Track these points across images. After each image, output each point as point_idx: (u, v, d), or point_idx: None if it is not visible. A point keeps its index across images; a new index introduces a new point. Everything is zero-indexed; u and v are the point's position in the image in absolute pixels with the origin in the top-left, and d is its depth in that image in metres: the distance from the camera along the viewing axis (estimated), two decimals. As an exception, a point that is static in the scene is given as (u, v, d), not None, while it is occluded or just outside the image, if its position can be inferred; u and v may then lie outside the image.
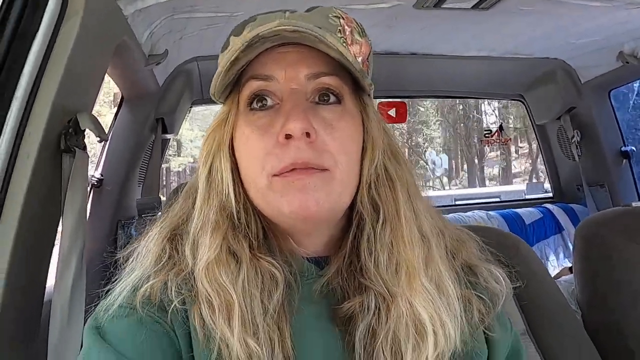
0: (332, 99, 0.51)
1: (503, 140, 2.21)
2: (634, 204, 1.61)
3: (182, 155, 11.13)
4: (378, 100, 2.02)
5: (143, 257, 0.53)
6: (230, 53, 0.47)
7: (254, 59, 0.50)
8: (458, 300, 0.53)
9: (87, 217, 1.46)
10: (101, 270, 1.45)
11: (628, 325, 1.02)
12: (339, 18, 0.54)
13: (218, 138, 0.53)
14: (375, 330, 0.50)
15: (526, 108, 2.15)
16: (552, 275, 1.73)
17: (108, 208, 1.51)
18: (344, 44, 0.52)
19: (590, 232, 1.13)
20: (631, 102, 2.26)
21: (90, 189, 1.46)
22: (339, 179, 0.49)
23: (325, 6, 0.55)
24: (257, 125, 0.50)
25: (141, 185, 1.65)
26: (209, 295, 0.47)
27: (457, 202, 2.25)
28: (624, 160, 1.93)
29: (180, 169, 11.51)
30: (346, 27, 0.53)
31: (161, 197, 1.62)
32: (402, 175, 0.54)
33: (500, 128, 2.19)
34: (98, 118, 0.93)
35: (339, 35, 0.53)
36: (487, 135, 2.20)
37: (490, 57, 1.72)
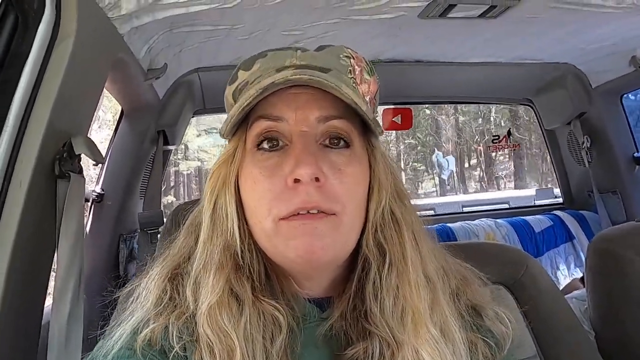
0: (342, 143, 0.51)
1: (512, 146, 2.16)
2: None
3: (189, 159, 11.20)
4: (383, 107, 1.99)
5: (144, 298, 0.52)
6: (244, 99, 0.48)
7: (264, 98, 0.50)
8: (463, 345, 0.51)
9: (88, 233, 1.46)
10: (103, 287, 1.44)
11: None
12: (350, 58, 0.54)
13: (223, 175, 0.52)
14: None
15: (535, 113, 2.10)
16: (563, 287, 1.70)
17: (109, 223, 1.49)
18: (354, 85, 0.53)
19: (603, 248, 1.09)
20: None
21: (91, 204, 1.45)
22: (346, 224, 0.49)
23: (336, 45, 0.55)
24: (265, 166, 0.49)
25: (143, 198, 1.63)
26: (210, 341, 0.47)
27: (465, 209, 2.20)
28: (637, 167, 1.88)
29: (188, 172, 11.60)
30: (356, 66, 0.54)
31: (163, 210, 1.59)
32: (408, 217, 0.53)
33: (509, 133, 2.15)
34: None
35: (350, 75, 0.53)
36: (495, 141, 2.16)
37: (498, 63, 1.67)
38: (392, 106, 1.98)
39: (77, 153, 0.82)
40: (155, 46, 1.14)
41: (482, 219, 2.01)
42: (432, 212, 2.20)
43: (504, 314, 0.58)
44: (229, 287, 0.49)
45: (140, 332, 0.48)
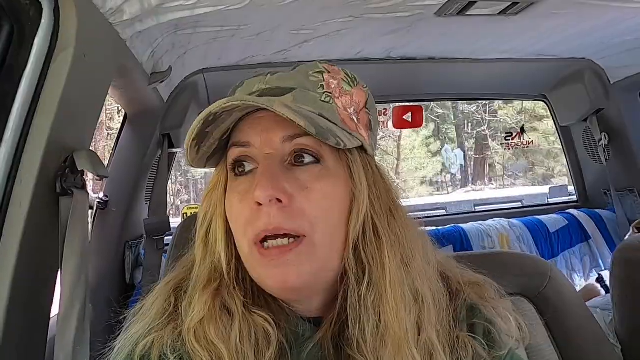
0: (309, 159, 0.50)
1: (525, 143, 2.10)
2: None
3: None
4: (394, 105, 1.94)
5: (148, 310, 0.53)
6: (190, 132, 0.48)
7: (236, 125, 0.52)
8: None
9: (92, 240, 1.42)
10: (109, 295, 1.40)
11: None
12: (322, 73, 0.53)
13: (213, 201, 0.54)
14: None
15: (550, 109, 2.04)
16: (580, 290, 1.65)
17: (114, 229, 1.46)
18: (328, 99, 0.52)
19: (629, 257, 1.04)
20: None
21: (95, 211, 1.41)
22: (321, 245, 0.48)
23: (309, 63, 0.55)
24: (238, 191, 0.50)
25: (148, 203, 1.59)
26: (200, 355, 0.47)
27: (477, 209, 2.15)
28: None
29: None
30: (332, 80, 0.53)
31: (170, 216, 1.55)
32: (395, 231, 0.51)
33: (522, 130, 2.08)
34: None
35: (320, 90, 0.52)
36: (507, 138, 2.09)
37: (513, 59, 1.61)
38: (403, 104, 1.92)
39: (79, 169, 0.77)
40: (159, 49, 1.08)
41: (495, 219, 1.96)
42: (443, 212, 2.15)
43: (511, 317, 0.56)
44: (220, 300, 0.50)
45: (139, 345, 0.49)
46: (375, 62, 1.51)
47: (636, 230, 1.50)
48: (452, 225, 1.90)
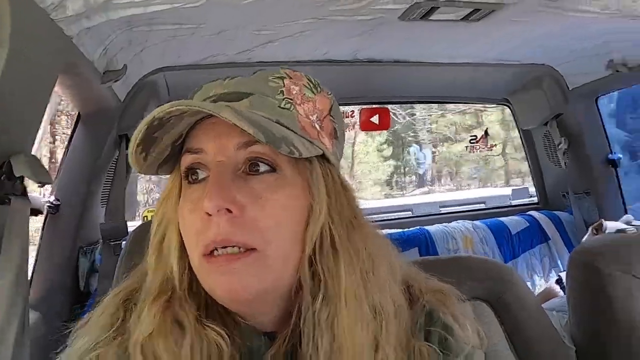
0: (264, 168, 0.48)
1: (489, 146, 2.14)
2: (624, 218, 1.57)
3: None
4: (360, 107, 1.93)
5: (95, 323, 0.51)
6: (133, 137, 0.45)
7: (191, 130, 0.49)
8: None
9: (43, 246, 1.34)
10: (62, 304, 1.33)
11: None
12: (283, 79, 0.51)
13: (167, 209, 0.52)
14: None
15: (512, 113, 2.09)
16: (540, 292, 1.70)
17: (67, 235, 1.38)
18: (289, 105, 0.50)
19: (585, 262, 1.06)
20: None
21: (46, 216, 1.33)
22: (273, 257, 0.46)
23: (269, 70, 0.53)
24: (191, 200, 0.48)
25: (104, 206, 1.51)
26: None
27: (442, 210, 2.18)
28: (611, 168, 1.89)
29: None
30: (293, 86, 0.51)
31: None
32: (355, 244, 0.49)
33: (486, 133, 2.13)
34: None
35: (280, 97, 0.50)
36: (472, 141, 2.13)
37: (477, 63, 1.64)
38: (370, 106, 1.92)
39: (17, 175, 0.72)
40: (112, 47, 1.03)
41: (459, 221, 1.99)
42: (409, 214, 2.17)
43: (469, 323, 0.55)
44: (172, 314, 0.47)
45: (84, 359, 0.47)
46: (341, 64, 1.49)
47: (594, 232, 1.55)
48: (418, 227, 1.92)
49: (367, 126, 1.95)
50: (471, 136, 2.08)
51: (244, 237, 0.45)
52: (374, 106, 1.93)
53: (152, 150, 0.48)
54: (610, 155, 1.89)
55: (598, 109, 1.87)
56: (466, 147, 2.03)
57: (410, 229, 1.89)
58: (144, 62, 1.27)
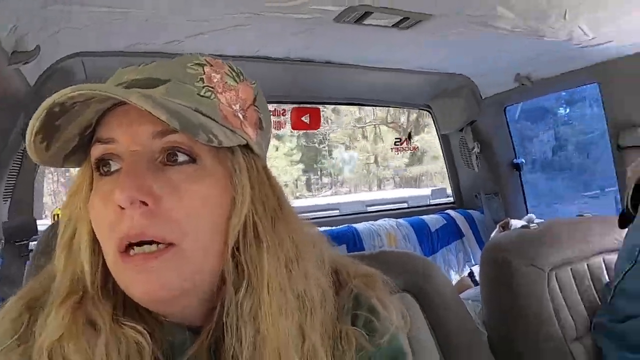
0: (182, 158, 0.45)
1: (412, 148, 2.28)
2: (527, 217, 1.76)
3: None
4: (292, 106, 1.94)
5: None
6: (30, 125, 0.41)
7: (101, 118, 0.46)
8: None
9: None
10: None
11: (526, 347, 1.09)
12: (203, 66, 0.49)
13: (77, 204, 0.49)
14: None
15: (433, 118, 2.23)
16: (454, 284, 1.84)
17: (-39, 234, 1.22)
18: (209, 93, 0.48)
19: (495, 257, 1.17)
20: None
21: None
22: (193, 251, 0.44)
23: (190, 55, 0.50)
24: (102, 192, 0.45)
25: (8, 202, 1.36)
26: None
27: (369, 209, 2.27)
28: (516, 172, 2.10)
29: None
30: (213, 74, 0.49)
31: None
32: (279, 234, 0.48)
33: (409, 136, 2.26)
34: None
35: (200, 84, 0.47)
36: (397, 143, 2.25)
37: (403, 69, 1.73)
38: (301, 105, 1.94)
39: None
40: (23, 26, 0.93)
41: (384, 219, 2.08)
42: (337, 212, 2.24)
43: (394, 305, 0.57)
44: (83, 315, 0.44)
45: None
46: (274, 62, 1.49)
47: (501, 229, 1.71)
48: (346, 225, 1.98)
49: (298, 125, 1.97)
50: (396, 138, 2.19)
51: (159, 230, 0.43)
52: (305, 106, 1.95)
53: (55, 140, 0.44)
54: (515, 160, 2.10)
55: (506, 118, 2.07)
56: (391, 148, 2.13)
57: (339, 226, 1.95)
58: (60, 45, 1.16)
